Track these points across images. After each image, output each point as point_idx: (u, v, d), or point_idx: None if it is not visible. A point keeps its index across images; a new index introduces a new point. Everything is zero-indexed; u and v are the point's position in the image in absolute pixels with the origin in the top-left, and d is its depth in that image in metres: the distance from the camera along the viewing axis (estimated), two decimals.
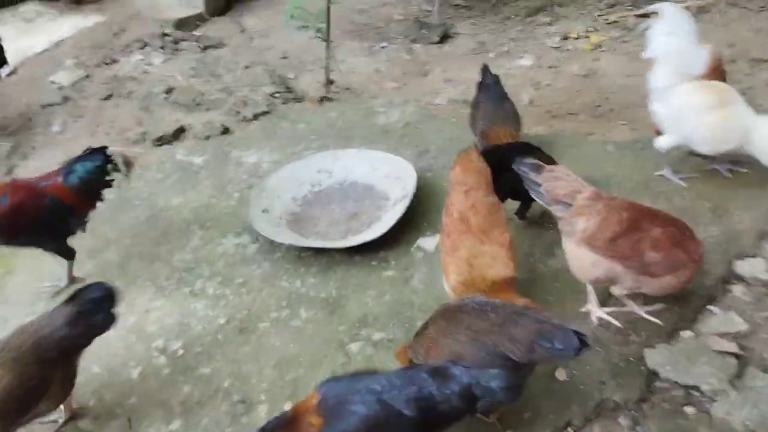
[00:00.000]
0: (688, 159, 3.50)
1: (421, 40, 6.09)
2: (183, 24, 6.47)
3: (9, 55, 5.52)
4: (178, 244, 3.24)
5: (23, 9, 6.54)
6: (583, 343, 1.84)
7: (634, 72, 4.70)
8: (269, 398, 2.34)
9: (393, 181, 3.35)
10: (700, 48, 3.16)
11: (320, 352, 2.53)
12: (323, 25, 4.71)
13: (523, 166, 2.59)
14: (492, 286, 2.28)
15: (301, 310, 2.76)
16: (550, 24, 6.19)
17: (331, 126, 4.19)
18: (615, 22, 6.01)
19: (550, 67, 5.36)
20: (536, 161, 2.61)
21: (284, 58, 5.91)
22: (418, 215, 3.24)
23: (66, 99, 5.08)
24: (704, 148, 3.15)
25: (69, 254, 3.03)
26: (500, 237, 2.42)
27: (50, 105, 5.02)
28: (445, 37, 6.11)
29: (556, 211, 2.53)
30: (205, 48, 6.03)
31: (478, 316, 2.01)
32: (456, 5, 6.94)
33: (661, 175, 3.39)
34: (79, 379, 2.51)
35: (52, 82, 5.31)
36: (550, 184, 2.52)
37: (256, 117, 4.64)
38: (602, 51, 5.58)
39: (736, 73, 4.52)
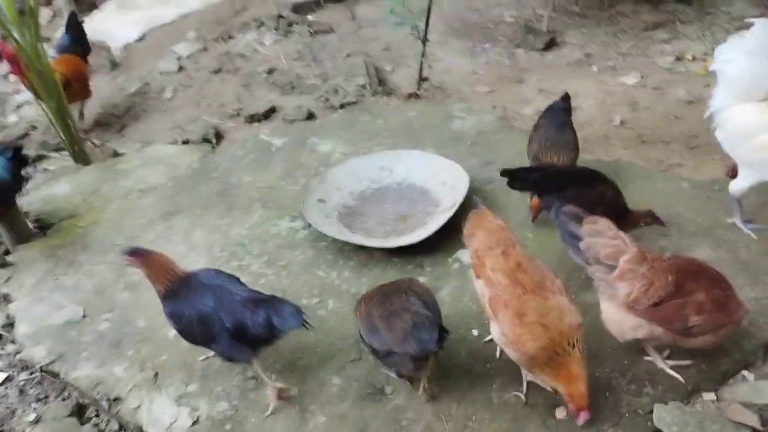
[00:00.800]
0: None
1: (525, 45, 5.97)
2: (300, 7, 6.78)
3: (141, 23, 6.14)
4: (240, 219, 3.49)
5: None
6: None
7: None
8: (278, 380, 2.50)
9: (448, 189, 3.39)
10: None
11: (335, 346, 2.67)
12: (421, 23, 4.77)
13: (563, 215, 2.51)
14: (569, 338, 2.19)
15: (329, 301, 2.91)
16: (666, 42, 5.84)
17: (407, 125, 4.27)
18: None
19: (654, 89, 5.09)
20: (577, 211, 2.49)
21: (386, 50, 6.04)
22: None
23: (181, 68, 5.55)
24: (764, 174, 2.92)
25: None
26: (554, 285, 2.29)
27: (167, 72, 5.50)
28: (550, 45, 5.96)
29: (594, 271, 2.41)
30: (315, 33, 6.30)
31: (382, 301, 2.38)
32: (571, 12, 6.73)
33: (733, 222, 3.18)
34: (125, 329, 2.85)
35: (173, 52, 5.81)
36: (591, 240, 2.39)
37: (342, 106, 4.82)
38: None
39: None
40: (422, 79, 5.28)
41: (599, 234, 2.40)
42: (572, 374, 2.16)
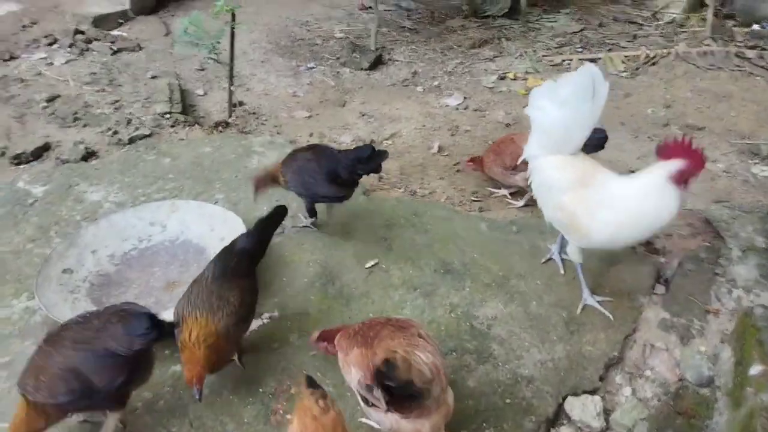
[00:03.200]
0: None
1: (351, 64, 5.65)
2: (102, 21, 6.02)
3: None
4: None
5: None
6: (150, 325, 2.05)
7: None
8: None
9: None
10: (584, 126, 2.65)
11: None
12: (219, 44, 4.26)
13: None
14: None
15: None
16: (492, 59, 5.76)
17: (197, 164, 3.75)
18: (558, 64, 5.58)
19: (475, 110, 4.93)
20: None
21: (201, 70, 5.47)
22: None
23: None
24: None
25: None
26: None
27: None
28: (377, 63, 5.67)
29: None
30: (118, 51, 5.59)
31: (83, 328, 2.10)
32: (402, 27, 6.52)
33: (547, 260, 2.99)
34: None
35: None
36: None
37: (131, 141, 4.20)
38: None
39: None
40: (234, 105, 4.78)
41: None
42: None
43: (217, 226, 3.04)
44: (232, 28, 4.39)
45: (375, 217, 3.31)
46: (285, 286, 2.84)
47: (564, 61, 5.60)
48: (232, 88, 4.61)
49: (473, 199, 3.75)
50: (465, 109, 4.99)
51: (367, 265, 2.96)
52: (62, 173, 3.68)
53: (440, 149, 4.39)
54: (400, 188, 3.91)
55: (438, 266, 2.97)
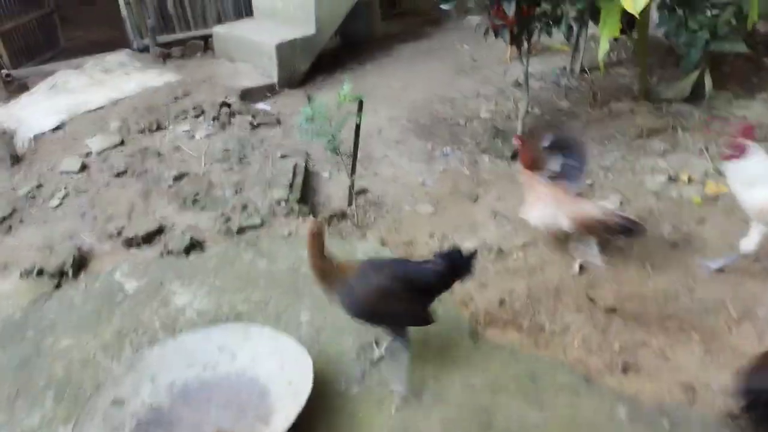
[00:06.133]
0: None
1: (492, 151, 5.07)
2: (249, 94, 6.08)
3: (64, 110, 5.50)
4: (20, 415, 2.61)
5: (109, 58, 6.58)
6: None
7: None
8: None
9: (292, 394, 2.45)
10: None
11: None
12: (339, 134, 3.92)
13: None
14: None
15: None
16: (662, 155, 4.83)
17: (293, 270, 3.37)
18: None
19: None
20: None
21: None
22: None
23: (84, 168, 4.83)
24: None
25: None
26: None
27: (67, 172, 4.79)
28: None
29: None
30: (257, 125, 5.55)
31: None
32: (559, 109, 5.82)
33: None
34: None
35: (86, 146, 5.12)
36: None
37: (240, 231, 3.96)
38: (715, 208, 4.17)
39: None
40: (358, 192, 4.42)
41: None
42: None
43: (287, 365, 2.58)
44: (357, 124, 4.05)
45: (477, 375, 2.64)
46: None
47: None
48: (353, 178, 4.25)
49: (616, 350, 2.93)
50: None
51: None
52: (159, 267, 3.49)
53: (581, 269, 3.61)
54: (523, 321, 3.20)
55: None
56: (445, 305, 3.09)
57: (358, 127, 4.08)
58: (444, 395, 2.56)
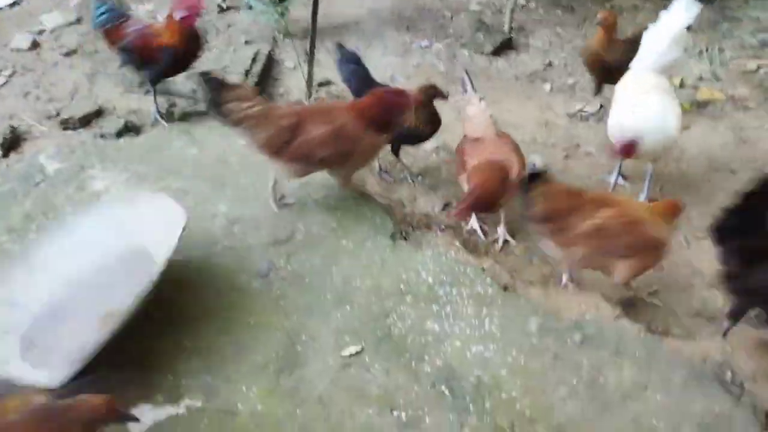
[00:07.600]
0: None
1: (472, 46, 4.65)
2: None
3: None
4: None
5: None
6: None
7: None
8: None
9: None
10: None
11: None
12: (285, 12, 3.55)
13: None
14: None
15: None
16: None
17: (222, 161, 3.10)
18: (751, 72, 4.08)
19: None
20: None
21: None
22: None
23: (35, 46, 4.53)
24: None
25: None
26: None
27: (17, 50, 4.50)
28: (504, 48, 4.61)
29: None
30: (226, 9, 5.11)
31: None
32: (556, 2, 5.28)
33: None
34: None
35: (41, 22, 4.80)
36: None
37: (184, 117, 3.72)
38: (702, 116, 3.79)
39: None
40: (320, 84, 4.12)
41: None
42: None
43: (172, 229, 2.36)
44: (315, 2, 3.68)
45: (386, 276, 2.43)
46: (229, 360, 2.13)
47: (760, 68, 4.08)
48: (308, 61, 3.92)
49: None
50: (598, 121, 3.81)
51: (345, 353, 2.12)
52: (85, 150, 3.27)
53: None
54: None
55: (438, 374, 2.05)
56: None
57: (316, 3, 3.70)
58: (347, 294, 2.38)
